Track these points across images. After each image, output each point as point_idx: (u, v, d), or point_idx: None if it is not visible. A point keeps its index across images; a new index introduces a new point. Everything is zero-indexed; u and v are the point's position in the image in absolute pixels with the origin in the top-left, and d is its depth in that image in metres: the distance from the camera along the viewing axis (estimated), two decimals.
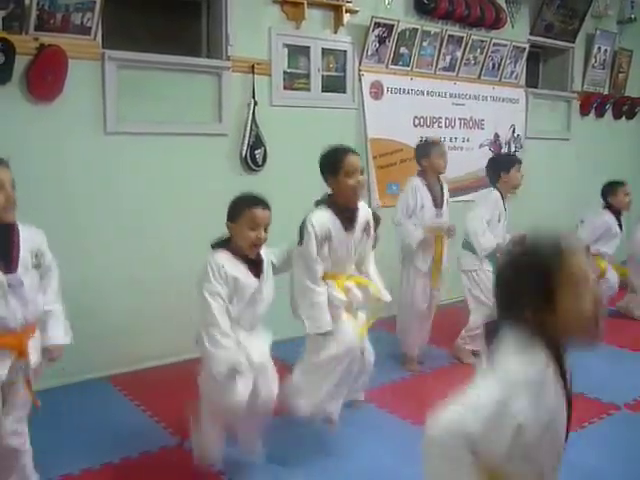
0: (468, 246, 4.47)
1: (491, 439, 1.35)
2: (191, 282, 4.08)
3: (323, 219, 3.08)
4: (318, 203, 3.17)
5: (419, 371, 4.36)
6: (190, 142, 4.44)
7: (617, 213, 4.98)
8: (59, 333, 2.49)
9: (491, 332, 1.50)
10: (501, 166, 4.57)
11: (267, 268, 2.90)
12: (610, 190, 5.00)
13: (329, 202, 3.14)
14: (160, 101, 4.28)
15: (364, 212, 3.24)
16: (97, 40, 4.00)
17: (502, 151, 6.33)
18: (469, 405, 1.39)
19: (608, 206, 5.00)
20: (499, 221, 4.48)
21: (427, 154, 4.36)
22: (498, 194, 4.52)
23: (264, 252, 2.90)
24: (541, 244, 1.45)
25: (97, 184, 4.10)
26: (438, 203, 4.35)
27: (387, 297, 3.29)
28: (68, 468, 2.97)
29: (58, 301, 2.52)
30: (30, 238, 2.35)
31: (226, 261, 2.75)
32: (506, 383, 1.38)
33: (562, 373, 1.46)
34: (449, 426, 1.37)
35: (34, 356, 2.39)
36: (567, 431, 1.51)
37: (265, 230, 2.79)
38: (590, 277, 1.42)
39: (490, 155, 5.88)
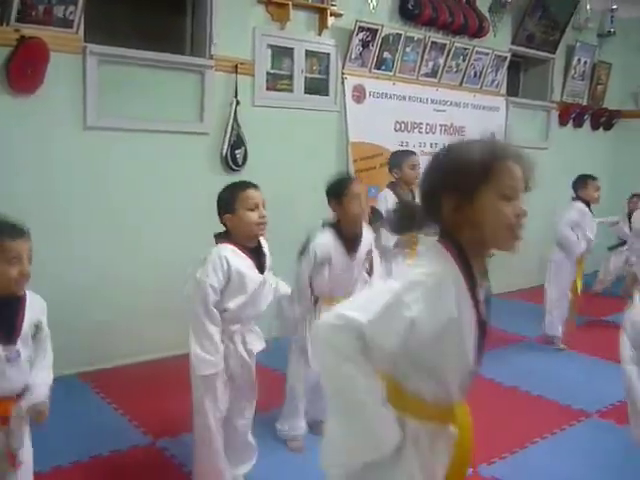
0: None
1: (383, 330, 1.35)
2: (169, 280, 4.08)
3: (325, 242, 3.14)
4: (324, 225, 3.21)
5: None
6: (171, 140, 4.42)
7: (587, 205, 5.00)
8: (42, 392, 2.26)
9: (405, 219, 1.54)
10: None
11: (270, 264, 2.82)
12: (581, 183, 5.02)
13: (333, 225, 3.19)
14: (141, 98, 4.26)
15: (368, 237, 3.27)
16: (79, 34, 3.97)
17: None
18: (363, 299, 1.42)
19: (577, 198, 5.03)
20: None
21: (399, 164, 4.39)
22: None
23: (267, 249, 2.81)
24: (478, 145, 1.46)
25: (76, 178, 4.06)
26: None
27: None
28: (37, 466, 2.90)
29: (50, 375, 2.30)
30: (33, 309, 2.22)
31: (231, 253, 2.63)
32: (404, 279, 1.40)
33: (473, 286, 1.44)
34: (339, 320, 1.37)
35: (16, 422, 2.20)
36: (480, 353, 1.49)
37: (264, 207, 2.70)
38: (520, 191, 1.44)
39: None
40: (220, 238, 2.71)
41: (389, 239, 4.15)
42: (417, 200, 2.90)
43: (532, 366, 4.61)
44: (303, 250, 3.16)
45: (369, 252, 3.32)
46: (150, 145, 4.33)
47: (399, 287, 1.37)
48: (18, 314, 2.16)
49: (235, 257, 2.64)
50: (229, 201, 2.69)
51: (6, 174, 3.66)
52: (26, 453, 2.28)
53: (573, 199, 5.07)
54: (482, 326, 1.46)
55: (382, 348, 1.37)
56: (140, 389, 3.91)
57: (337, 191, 3.19)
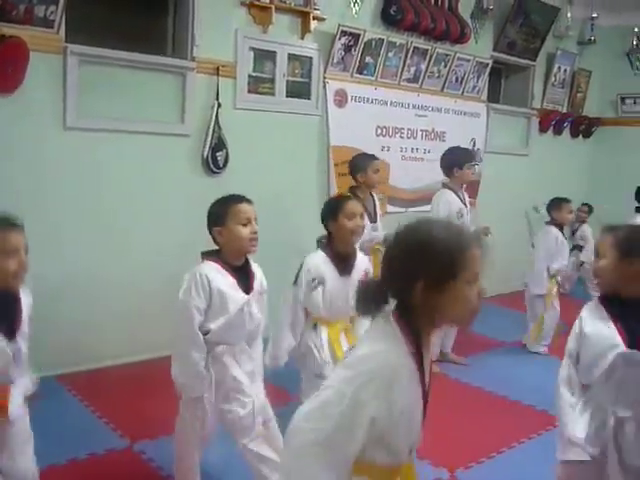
0: None
1: (345, 438, 1.42)
2: (148, 282, 4.06)
3: (317, 262, 3.05)
4: (318, 243, 3.14)
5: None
6: (151, 141, 4.40)
7: (560, 227, 5.16)
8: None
9: (368, 297, 1.56)
10: (455, 161, 4.61)
11: (260, 286, 2.72)
12: (555, 206, 5.16)
13: (326, 245, 3.11)
14: (122, 98, 4.24)
15: (363, 260, 3.19)
16: (60, 34, 3.94)
17: None
18: (320, 410, 1.45)
19: (552, 220, 5.18)
20: (462, 216, 4.54)
21: (364, 168, 4.43)
22: (449, 191, 4.60)
23: (259, 271, 2.74)
24: (443, 234, 1.49)
25: (54, 179, 4.03)
26: (372, 218, 4.44)
27: None
28: None
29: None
30: (27, 303, 2.24)
31: (213, 271, 2.56)
32: (355, 371, 1.46)
33: (421, 362, 1.52)
34: (305, 440, 1.45)
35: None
36: (424, 413, 1.57)
37: (256, 222, 2.63)
38: (480, 274, 1.50)
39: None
40: (206, 256, 2.64)
41: None
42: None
43: (511, 371, 4.64)
44: (297, 277, 3.06)
45: (366, 275, 3.15)
46: (130, 146, 4.30)
47: (353, 384, 1.43)
48: (17, 309, 2.15)
49: (217, 275, 2.56)
50: (220, 214, 2.61)
51: None
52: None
53: (547, 223, 5.17)
54: (425, 396, 1.55)
55: (346, 449, 1.44)
56: (118, 391, 3.88)
57: (334, 208, 3.09)
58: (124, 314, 4.29)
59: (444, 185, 4.63)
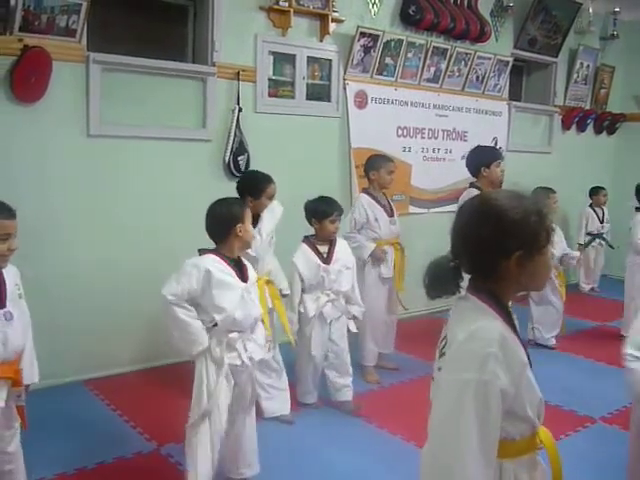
0: None
1: (490, 424, 1.40)
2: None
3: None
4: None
5: (379, 382, 4.37)
6: (173, 147, 4.44)
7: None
8: (28, 372, 2.52)
9: (444, 277, 1.55)
10: (482, 161, 4.50)
11: (254, 274, 2.94)
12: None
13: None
14: (144, 105, 4.28)
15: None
16: (82, 43, 3.99)
17: None
18: (455, 412, 1.40)
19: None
20: None
21: (377, 168, 4.44)
22: (476, 191, 4.54)
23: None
24: (531, 198, 1.53)
25: (79, 186, 4.07)
26: (389, 213, 4.48)
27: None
28: (42, 472, 2.94)
29: (29, 338, 2.55)
30: (11, 272, 2.44)
31: (213, 263, 2.74)
32: (470, 355, 1.42)
33: (513, 327, 1.53)
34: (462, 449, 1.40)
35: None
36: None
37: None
38: None
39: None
40: (204, 251, 2.82)
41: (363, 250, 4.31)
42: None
43: (535, 371, 4.59)
44: None
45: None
46: (153, 152, 4.35)
47: (472, 369, 1.40)
48: (2, 281, 2.38)
49: (218, 266, 2.74)
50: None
51: (10, 183, 3.66)
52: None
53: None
54: (528, 357, 1.55)
55: (494, 435, 1.42)
56: (144, 395, 3.91)
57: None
58: (151, 318, 4.32)
59: (472, 185, 4.56)
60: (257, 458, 2.99)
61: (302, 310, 3.76)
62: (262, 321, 2.98)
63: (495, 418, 1.40)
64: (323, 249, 3.80)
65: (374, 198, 4.43)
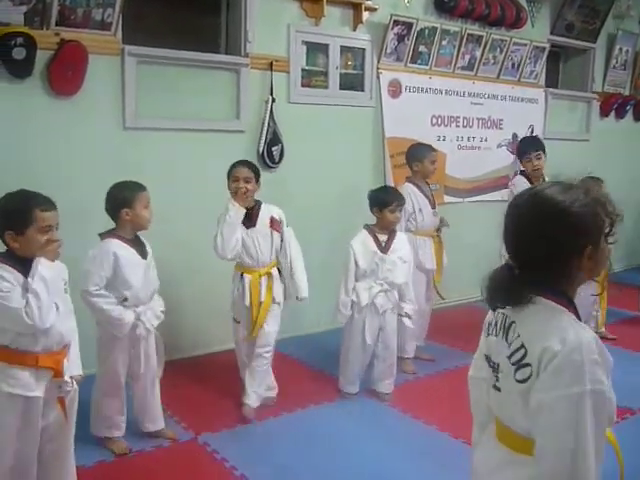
0: None
1: (601, 427, 1.38)
2: (209, 278, 4.11)
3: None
4: None
5: (415, 372, 4.37)
6: (208, 138, 4.46)
7: None
8: (75, 364, 2.60)
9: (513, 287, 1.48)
10: (522, 150, 4.82)
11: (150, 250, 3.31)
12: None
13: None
14: (178, 97, 4.30)
15: (268, 212, 3.68)
16: (117, 36, 4.02)
17: None
18: (570, 431, 1.36)
19: None
20: None
21: (421, 159, 4.45)
22: (523, 178, 4.67)
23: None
24: (582, 190, 1.49)
25: (115, 179, 4.10)
26: (432, 204, 4.50)
27: None
28: (81, 461, 2.96)
29: (74, 331, 2.62)
30: (59, 267, 2.48)
31: (117, 246, 3.08)
32: (576, 368, 1.37)
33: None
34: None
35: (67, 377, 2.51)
36: None
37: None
38: None
39: (508, 155, 5.91)
40: (104, 235, 3.11)
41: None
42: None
43: None
44: None
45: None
46: (188, 144, 4.37)
47: (583, 385, 1.36)
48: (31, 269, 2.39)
49: (121, 247, 3.06)
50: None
51: (48, 176, 3.72)
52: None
53: None
54: None
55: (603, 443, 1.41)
56: (181, 384, 3.95)
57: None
58: (190, 311, 4.36)
59: (517, 172, 4.67)
60: (161, 415, 3.35)
61: (355, 299, 3.76)
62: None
63: (605, 427, 1.39)
64: (382, 238, 3.81)
65: (419, 188, 4.44)
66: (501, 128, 6.20)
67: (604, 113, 7.29)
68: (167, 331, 4.31)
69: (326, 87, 5.03)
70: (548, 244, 1.45)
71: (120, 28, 4.03)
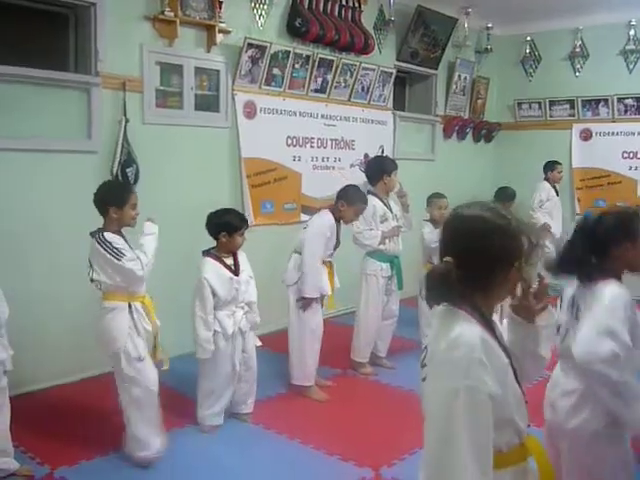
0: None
1: (484, 430, 1.42)
2: (64, 308, 3.93)
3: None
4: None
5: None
6: (56, 159, 4.28)
7: (435, 223, 5.10)
8: None
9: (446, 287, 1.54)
10: (385, 169, 4.85)
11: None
12: (428, 202, 5.21)
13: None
14: (23, 116, 4.11)
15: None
16: None
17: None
18: (446, 427, 1.42)
19: (429, 219, 5.18)
20: (385, 220, 4.76)
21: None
22: (375, 198, 4.76)
23: None
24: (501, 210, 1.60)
25: None
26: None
27: None
28: None
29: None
30: None
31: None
32: (455, 362, 1.45)
33: (492, 328, 1.57)
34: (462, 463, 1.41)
35: None
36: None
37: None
38: None
39: (360, 175, 6.11)
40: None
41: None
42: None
43: None
44: None
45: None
46: (34, 165, 4.17)
47: (458, 375, 1.43)
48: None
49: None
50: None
51: None
52: None
53: (424, 220, 5.23)
54: (514, 369, 1.57)
55: (489, 441, 1.43)
56: (33, 418, 3.74)
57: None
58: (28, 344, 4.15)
59: (369, 192, 4.70)
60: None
61: (219, 328, 3.62)
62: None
63: (486, 424, 1.42)
64: (229, 261, 3.71)
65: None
66: (353, 148, 6.45)
67: (447, 135, 7.80)
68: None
69: (181, 108, 5.00)
70: (480, 259, 1.53)
71: None
